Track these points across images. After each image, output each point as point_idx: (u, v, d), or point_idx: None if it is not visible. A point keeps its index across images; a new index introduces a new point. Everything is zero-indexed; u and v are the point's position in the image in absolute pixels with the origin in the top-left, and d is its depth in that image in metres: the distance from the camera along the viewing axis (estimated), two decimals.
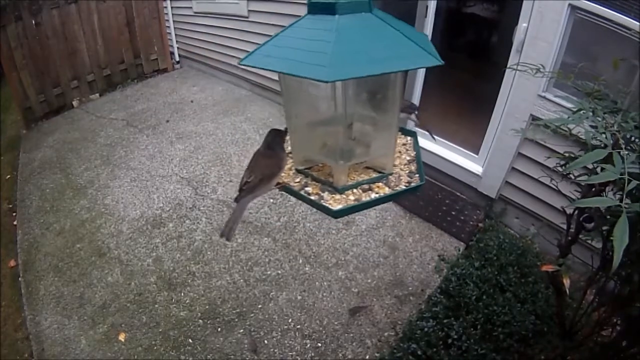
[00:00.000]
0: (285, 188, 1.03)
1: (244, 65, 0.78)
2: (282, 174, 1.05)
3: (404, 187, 1.00)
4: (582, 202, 0.90)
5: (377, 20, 0.80)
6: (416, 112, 1.52)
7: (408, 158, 1.11)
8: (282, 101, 0.99)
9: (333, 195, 0.98)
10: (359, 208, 0.96)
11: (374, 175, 1.04)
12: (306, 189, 1.01)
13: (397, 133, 1.05)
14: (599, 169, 0.78)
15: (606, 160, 0.72)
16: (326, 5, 0.77)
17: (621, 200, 0.65)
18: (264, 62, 0.78)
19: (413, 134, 1.17)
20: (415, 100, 3.04)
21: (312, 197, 0.97)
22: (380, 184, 1.01)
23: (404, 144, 1.17)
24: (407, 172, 1.06)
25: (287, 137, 1.11)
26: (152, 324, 2.18)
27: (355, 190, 0.99)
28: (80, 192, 3.22)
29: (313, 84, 0.88)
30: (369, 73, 0.73)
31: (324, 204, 0.95)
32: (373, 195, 0.98)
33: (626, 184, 0.66)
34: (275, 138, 1.07)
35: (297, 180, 1.04)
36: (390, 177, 1.03)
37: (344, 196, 0.97)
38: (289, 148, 1.13)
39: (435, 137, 3.07)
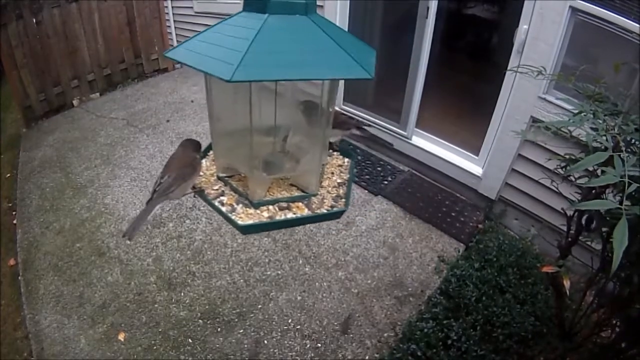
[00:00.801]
0: (200, 193, 0.98)
1: (167, 57, 0.77)
2: (202, 179, 1.01)
3: (324, 211, 0.93)
4: (583, 205, 0.91)
5: (310, 24, 0.75)
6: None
7: (339, 180, 1.03)
8: (207, 102, 0.93)
9: (247, 209, 0.91)
10: (270, 227, 0.91)
11: (296, 194, 0.96)
12: (221, 198, 0.94)
13: (324, 151, 0.98)
14: (599, 172, 0.78)
15: (607, 163, 0.72)
16: (257, 3, 0.74)
17: (621, 203, 0.65)
18: (182, 55, 0.75)
19: (351, 156, 1.10)
20: (415, 101, 3.04)
21: (224, 208, 0.91)
22: (300, 204, 0.94)
23: (339, 165, 1.08)
24: (333, 195, 0.98)
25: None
26: (151, 324, 2.18)
27: (271, 207, 0.93)
28: (80, 192, 3.21)
29: (238, 86, 0.83)
30: (279, 77, 0.70)
31: (232, 217, 0.89)
32: (289, 215, 0.91)
33: (626, 187, 0.66)
34: (191, 142, 1.06)
35: (216, 187, 0.98)
36: (313, 198, 0.95)
37: (258, 211, 0.90)
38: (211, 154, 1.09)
39: (436, 137, 3.09)
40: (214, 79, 0.82)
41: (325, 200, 0.93)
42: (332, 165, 1.04)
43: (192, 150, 1.05)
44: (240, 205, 0.92)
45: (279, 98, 0.86)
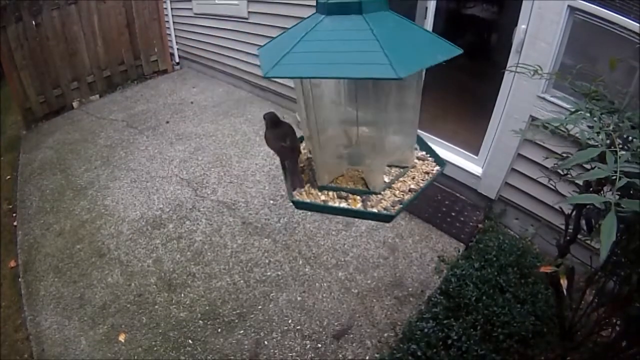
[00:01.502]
0: (320, 207, 0.99)
1: (269, 77, 0.74)
2: (304, 197, 1.02)
3: (374, 211, 0.94)
4: (575, 199, 0.91)
5: (397, 18, 0.80)
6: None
7: (413, 187, 1.02)
8: (301, 115, 0.94)
9: (310, 190, 0.96)
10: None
11: (399, 170, 1.01)
12: (342, 202, 0.96)
13: (417, 126, 1.02)
14: (596, 168, 0.78)
15: (602, 160, 0.72)
16: (351, 5, 0.75)
17: (618, 198, 0.65)
18: (302, 70, 0.74)
19: (442, 165, 1.11)
20: None
21: (356, 207, 0.94)
22: (358, 197, 0.96)
23: (425, 172, 1.06)
24: (396, 199, 0.98)
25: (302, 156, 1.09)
26: (152, 325, 2.19)
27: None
28: (81, 193, 3.22)
29: (336, 90, 0.87)
30: (424, 65, 0.72)
31: (374, 211, 0.91)
32: (342, 204, 0.95)
33: (617, 181, 0.66)
34: (273, 116, 1.08)
35: (327, 196, 0.98)
36: (372, 195, 0.96)
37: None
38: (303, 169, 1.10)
39: (435, 137, 3.09)
40: (313, 90, 0.84)
41: (383, 201, 0.95)
42: (417, 170, 1.03)
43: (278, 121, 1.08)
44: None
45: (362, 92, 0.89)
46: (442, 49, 0.79)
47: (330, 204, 0.95)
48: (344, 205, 0.95)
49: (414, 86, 0.93)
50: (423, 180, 1.00)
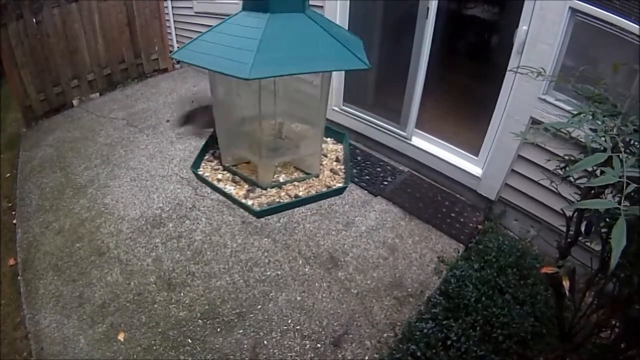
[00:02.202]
0: (208, 183, 1.01)
1: (174, 58, 0.77)
2: (208, 170, 1.04)
3: (326, 190, 0.98)
4: (581, 204, 0.91)
5: (308, 20, 0.80)
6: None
7: (335, 162, 1.07)
8: (212, 98, 0.98)
9: (257, 194, 0.97)
10: (282, 208, 0.95)
11: (300, 175, 1.03)
12: (229, 186, 0.98)
13: (323, 134, 1.03)
14: (598, 172, 0.79)
15: (606, 164, 0.72)
16: (259, 2, 0.76)
17: (620, 203, 0.65)
18: (191, 56, 0.77)
19: (343, 136, 1.13)
20: (415, 102, 3.04)
21: (236, 195, 0.96)
22: (304, 184, 1.00)
23: (334, 150, 1.12)
24: (331, 173, 1.04)
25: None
26: (151, 324, 2.19)
27: (278, 190, 0.98)
28: (80, 191, 3.21)
29: (242, 80, 0.87)
30: (290, 72, 0.74)
31: (246, 202, 0.94)
32: (295, 195, 0.97)
33: (625, 187, 0.66)
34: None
35: (222, 176, 1.02)
36: (314, 178, 1.01)
37: (268, 195, 0.96)
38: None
39: (435, 138, 3.09)
40: (218, 77, 0.86)
41: (263, 196, 0.96)
42: (320, 182, 1.06)
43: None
44: (250, 190, 0.96)
45: (277, 87, 0.89)
46: (338, 59, 0.78)
47: (221, 185, 0.98)
48: (230, 189, 0.97)
49: (319, 95, 0.93)
50: (317, 191, 1.00)
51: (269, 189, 0.94)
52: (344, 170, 1.05)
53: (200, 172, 0.98)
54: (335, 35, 0.76)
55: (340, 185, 0.99)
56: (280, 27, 0.74)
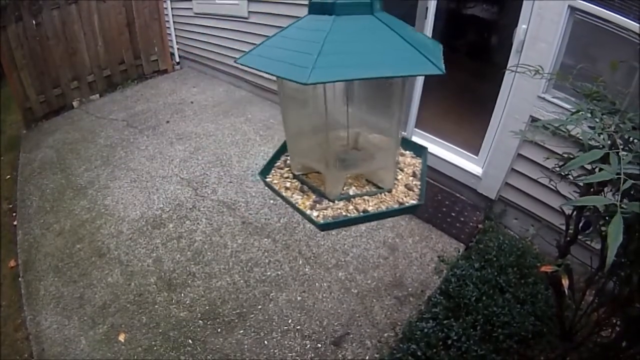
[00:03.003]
0: (275, 190, 1.01)
1: (239, 64, 0.78)
2: (277, 179, 1.05)
3: (398, 207, 0.94)
4: (579, 202, 0.91)
5: (377, 22, 0.76)
6: None
7: (411, 176, 1.04)
8: (280, 104, 0.97)
9: (322, 206, 0.93)
10: (347, 223, 0.93)
11: (371, 189, 0.98)
12: (296, 196, 0.97)
13: (398, 145, 1.00)
14: (597, 170, 0.79)
15: (604, 161, 0.72)
16: (324, 5, 0.75)
17: (619, 200, 0.65)
18: (254, 61, 0.76)
19: (422, 150, 1.11)
20: (415, 101, 3.04)
21: (302, 206, 0.94)
22: (375, 198, 0.96)
23: (410, 164, 1.10)
24: (405, 189, 1.00)
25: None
26: (152, 325, 2.19)
27: (346, 203, 0.94)
28: (81, 193, 3.22)
29: (310, 86, 0.85)
30: (352, 77, 0.71)
31: (311, 214, 0.91)
32: (364, 210, 0.93)
33: (622, 184, 0.66)
34: None
35: (290, 184, 1.02)
36: (386, 193, 0.97)
37: (335, 207, 0.94)
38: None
39: (435, 137, 3.09)
40: (287, 83, 0.85)
41: (329, 209, 0.94)
42: (391, 197, 1.02)
43: None
44: (317, 202, 0.94)
45: (350, 94, 0.88)
46: (408, 63, 0.74)
47: (287, 194, 0.97)
48: (294, 197, 0.97)
49: (395, 109, 0.90)
50: (387, 207, 0.96)
51: (336, 202, 0.91)
52: (419, 187, 1.00)
53: (268, 179, 0.97)
54: (408, 38, 0.73)
55: (414, 202, 0.95)
56: (346, 30, 0.72)
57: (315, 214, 0.91)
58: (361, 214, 0.92)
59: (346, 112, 0.90)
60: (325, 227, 0.90)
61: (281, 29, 0.81)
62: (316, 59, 0.66)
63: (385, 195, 0.97)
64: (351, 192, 0.96)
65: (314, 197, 0.95)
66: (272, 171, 1.03)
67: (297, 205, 0.94)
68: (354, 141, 1.00)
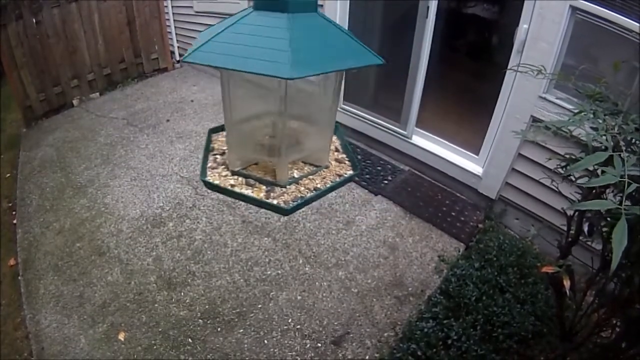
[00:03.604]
0: (225, 190, 1.02)
1: (187, 62, 0.78)
2: (220, 176, 1.05)
3: (341, 179, 1.03)
4: (583, 205, 0.90)
5: (323, 20, 0.82)
6: None
7: (336, 151, 1.14)
8: (222, 97, 0.98)
9: (277, 193, 0.98)
10: (307, 202, 0.98)
11: (311, 169, 1.05)
12: (247, 190, 0.99)
13: (333, 128, 1.07)
14: (599, 171, 0.78)
15: (607, 163, 0.72)
16: (277, 2, 0.77)
17: (621, 203, 0.65)
18: (212, 59, 0.76)
19: (356, 169, 1.18)
20: (416, 100, 3.04)
21: (257, 197, 0.97)
22: (318, 176, 1.04)
23: (338, 174, 1.18)
24: (337, 163, 1.09)
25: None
26: (151, 324, 2.18)
27: (296, 186, 1.00)
28: (80, 191, 3.21)
29: (255, 80, 0.89)
30: (326, 70, 0.75)
31: (274, 202, 0.95)
32: (315, 188, 1.00)
33: (626, 187, 0.66)
34: None
35: (234, 181, 1.03)
36: (325, 170, 1.05)
37: (288, 192, 0.98)
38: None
39: (436, 137, 3.09)
40: (232, 76, 0.88)
41: (285, 195, 1.01)
42: (330, 172, 1.11)
43: None
44: (270, 191, 0.97)
45: (289, 86, 0.91)
46: (360, 56, 0.81)
47: (237, 189, 0.98)
48: (248, 192, 0.98)
49: (332, 89, 0.97)
50: (332, 181, 1.03)
51: (287, 187, 0.96)
52: (347, 159, 1.10)
53: (210, 180, 0.98)
54: (349, 34, 0.81)
55: (352, 172, 1.04)
56: (303, 27, 0.76)
57: (275, 202, 0.94)
58: (314, 192, 0.99)
59: (285, 100, 0.93)
60: (291, 211, 0.95)
61: (226, 25, 0.82)
62: (290, 55, 0.69)
63: (324, 171, 1.05)
64: (296, 175, 1.01)
65: (264, 187, 0.98)
66: (209, 172, 1.03)
67: (256, 198, 0.96)
68: (294, 128, 1.05)
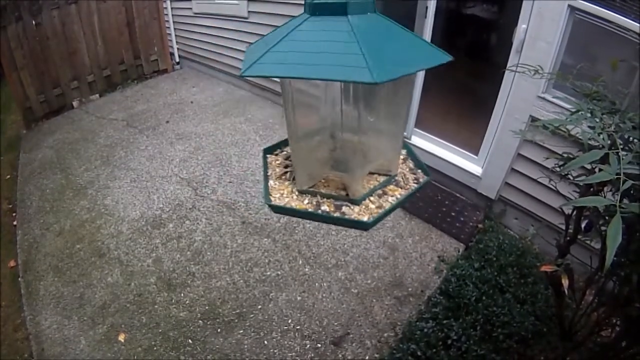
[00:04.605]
0: (304, 213, 0.96)
1: (247, 76, 0.71)
2: (285, 198, 0.99)
3: (415, 185, 0.98)
4: (578, 202, 0.91)
5: (384, 20, 0.78)
6: None
7: (402, 157, 1.08)
8: (285, 114, 0.93)
9: (352, 208, 0.92)
10: (386, 214, 0.92)
11: (382, 179, 1.00)
12: (322, 208, 0.95)
13: (403, 134, 1.02)
14: (597, 169, 0.78)
15: (604, 161, 0.72)
16: (336, 5, 0.73)
17: (619, 201, 0.65)
18: (277, 70, 0.71)
19: (428, 175, 1.13)
20: (415, 100, 3.04)
21: (336, 214, 0.92)
22: (391, 186, 0.98)
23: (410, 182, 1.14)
24: (407, 170, 1.04)
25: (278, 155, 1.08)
26: (151, 325, 2.18)
27: (372, 198, 0.94)
28: (80, 193, 3.22)
29: (320, 92, 0.84)
30: (407, 72, 0.70)
31: (354, 218, 0.90)
32: (390, 199, 0.94)
33: (621, 184, 0.66)
34: None
35: (307, 201, 0.96)
36: (397, 178, 1.00)
37: (364, 206, 0.92)
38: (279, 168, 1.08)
39: (435, 137, 3.09)
40: (295, 90, 0.82)
41: (407, 176, 0.98)
42: (402, 179, 1.05)
43: None
44: (344, 207, 0.92)
45: (358, 95, 0.86)
46: (429, 55, 0.77)
47: (309, 209, 0.93)
48: (393, 199, 0.94)
49: (402, 93, 0.91)
50: (407, 189, 0.98)
51: (362, 201, 0.92)
52: (416, 166, 1.06)
53: (279, 204, 0.92)
54: (413, 33, 0.77)
55: (427, 178, 1.00)
56: (368, 29, 0.72)
57: (354, 217, 0.89)
58: (391, 202, 0.93)
59: (358, 110, 0.89)
60: (372, 224, 0.89)
61: (277, 34, 0.78)
62: (366, 58, 0.64)
63: (396, 181, 1.00)
64: (368, 187, 0.96)
65: (334, 204, 0.93)
66: (272, 195, 0.97)
67: (340, 217, 0.91)
68: (365, 140, 1.00)
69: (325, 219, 0.93)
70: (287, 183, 0.99)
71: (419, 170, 1.05)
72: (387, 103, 0.92)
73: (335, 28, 0.72)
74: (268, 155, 1.12)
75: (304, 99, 0.90)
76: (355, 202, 0.92)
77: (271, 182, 1.00)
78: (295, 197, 0.95)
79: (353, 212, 0.90)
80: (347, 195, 0.94)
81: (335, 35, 0.72)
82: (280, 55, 0.71)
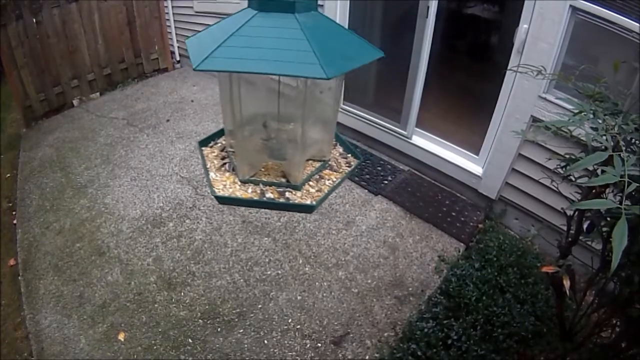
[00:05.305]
0: (247, 201, 1.00)
1: (200, 70, 0.71)
2: (228, 188, 1.02)
3: (348, 168, 1.06)
4: (583, 205, 0.90)
5: (325, 19, 0.84)
6: None
7: (341, 150, 1.17)
8: (223, 106, 0.95)
9: (295, 193, 0.98)
10: (326, 196, 0.99)
11: (317, 165, 1.07)
12: (267, 195, 0.98)
13: (336, 122, 1.10)
14: (599, 171, 0.78)
15: (606, 163, 0.72)
16: (284, 3, 0.77)
17: (621, 203, 0.65)
18: (228, 64, 0.73)
19: (359, 157, 1.19)
20: (416, 100, 3.04)
21: (280, 200, 0.96)
22: (326, 171, 1.06)
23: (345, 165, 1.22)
24: (338, 155, 1.13)
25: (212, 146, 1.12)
26: (151, 324, 2.18)
27: (311, 183, 1.01)
28: (80, 191, 3.21)
29: (261, 83, 0.89)
30: (351, 67, 0.77)
31: (298, 202, 0.96)
32: (328, 182, 1.02)
33: (626, 187, 0.66)
34: None
35: (250, 190, 1.00)
36: (330, 163, 1.08)
37: (305, 191, 0.98)
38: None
39: (436, 137, 3.09)
40: (242, 82, 0.87)
41: (339, 161, 1.05)
42: (336, 163, 1.12)
43: None
44: (287, 192, 0.97)
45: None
46: (366, 51, 0.83)
47: (254, 197, 0.97)
48: (330, 182, 1.01)
49: (335, 86, 0.98)
50: (340, 173, 1.06)
51: (302, 186, 0.97)
52: (345, 151, 1.14)
53: (224, 194, 0.96)
54: (350, 31, 0.83)
55: (357, 161, 1.07)
56: (313, 27, 0.76)
57: (297, 201, 0.95)
58: (329, 185, 1.01)
59: (277, 105, 0.95)
60: (316, 206, 0.96)
61: (225, 28, 0.81)
62: (317, 55, 0.68)
63: (330, 165, 1.08)
64: (306, 173, 1.03)
65: (277, 190, 0.98)
66: (216, 186, 1.00)
67: (283, 202, 0.97)
68: (304, 128, 1.06)
69: (271, 205, 0.99)
70: (227, 174, 1.04)
71: (349, 155, 1.14)
72: (320, 96, 0.99)
73: (284, 25, 0.76)
74: (203, 148, 1.16)
75: (246, 91, 0.94)
76: (297, 188, 0.99)
77: (212, 175, 1.04)
78: (238, 186, 0.99)
79: (296, 197, 0.96)
80: (288, 181, 0.99)
81: (285, 32, 0.75)
82: (235, 50, 0.74)
